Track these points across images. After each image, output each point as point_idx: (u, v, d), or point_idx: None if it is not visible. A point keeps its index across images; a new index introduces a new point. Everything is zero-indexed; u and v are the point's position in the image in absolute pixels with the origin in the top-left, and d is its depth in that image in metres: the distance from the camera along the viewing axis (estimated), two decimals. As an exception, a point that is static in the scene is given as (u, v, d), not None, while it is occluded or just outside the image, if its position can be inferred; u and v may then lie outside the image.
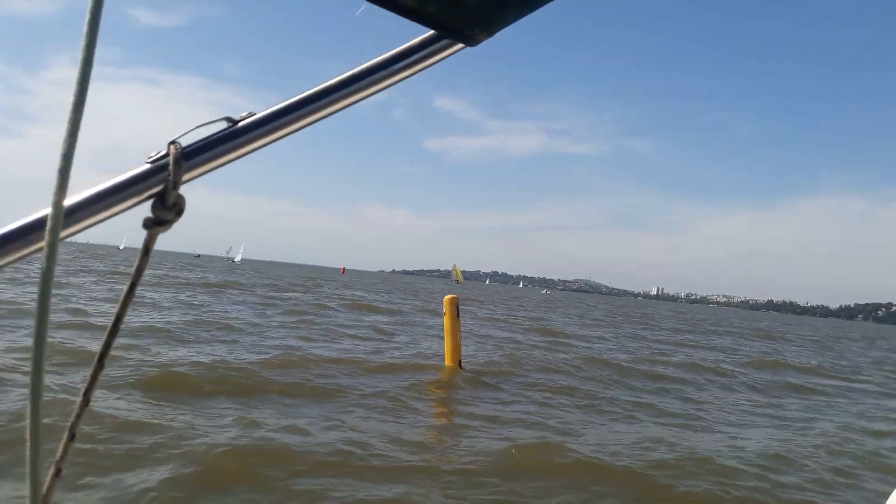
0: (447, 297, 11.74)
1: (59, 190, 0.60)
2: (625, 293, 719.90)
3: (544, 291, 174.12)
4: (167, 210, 0.70)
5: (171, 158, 0.69)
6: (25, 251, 0.66)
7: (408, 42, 0.83)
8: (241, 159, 0.78)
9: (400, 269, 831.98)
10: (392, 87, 0.84)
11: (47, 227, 0.61)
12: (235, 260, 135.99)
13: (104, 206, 0.69)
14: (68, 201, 0.66)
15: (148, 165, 0.71)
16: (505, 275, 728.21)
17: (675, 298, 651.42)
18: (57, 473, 0.69)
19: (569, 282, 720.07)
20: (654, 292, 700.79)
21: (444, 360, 11.86)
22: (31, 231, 0.66)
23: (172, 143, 0.71)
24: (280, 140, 0.80)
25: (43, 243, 0.61)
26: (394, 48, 0.83)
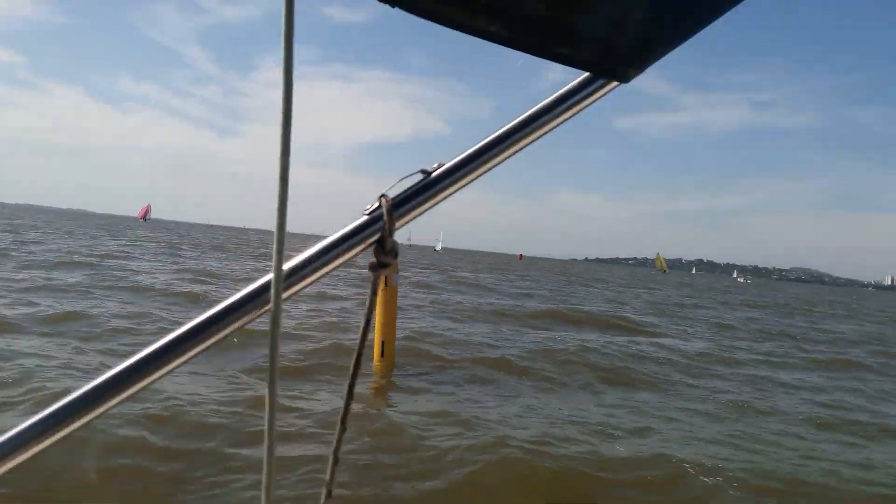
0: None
1: (277, 256, 0.74)
2: (851, 283, 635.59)
3: (741, 279, 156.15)
4: (386, 255, 0.81)
5: (384, 210, 0.80)
6: (254, 314, 0.78)
7: (567, 85, 0.88)
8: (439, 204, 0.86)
9: (593, 257, 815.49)
10: (556, 128, 0.89)
11: (272, 292, 0.75)
12: (437, 248, 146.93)
13: (328, 260, 0.80)
14: (291, 263, 0.79)
15: (366, 217, 0.82)
16: (711, 263, 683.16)
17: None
18: (329, 495, 0.88)
19: (785, 270, 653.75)
20: (888, 282, 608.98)
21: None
22: (257, 295, 0.78)
23: (383, 196, 0.81)
24: (469, 184, 0.87)
25: (269, 306, 0.76)
26: (556, 90, 0.89)
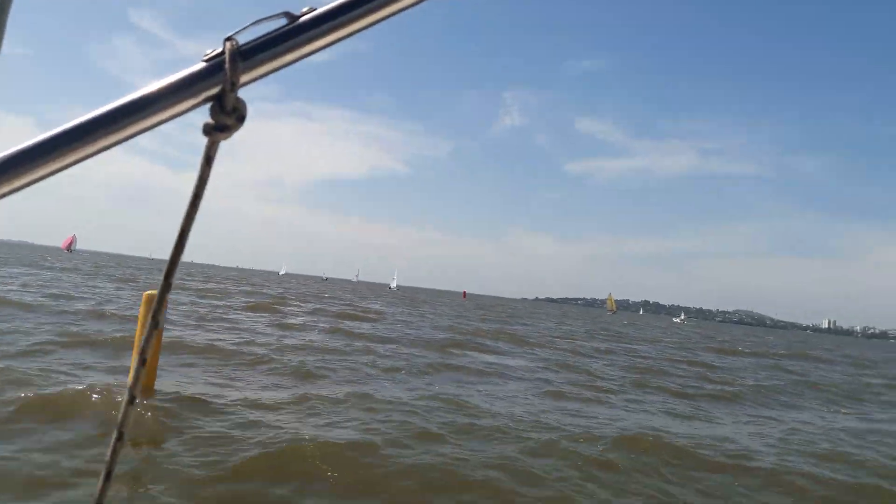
0: (146, 293, 8.29)
1: None
2: (792, 326, 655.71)
3: (676, 319, 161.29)
4: (227, 115, 0.64)
5: (227, 56, 0.64)
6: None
7: None
8: (301, 61, 0.70)
9: (543, 297, 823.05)
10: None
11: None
12: (392, 286, 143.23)
13: (156, 110, 0.64)
14: (123, 100, 0.64)
15: (203, 64, 0.65)
16: (657, 304, 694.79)
17: (849, 332, 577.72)
18: (119, 437, 0.70)
19: (728, 312, 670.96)
20: (825, 325, 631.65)
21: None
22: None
23: (229, 39, 0.65)
24: (344, 39, 0.70)
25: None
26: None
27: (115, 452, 0.70)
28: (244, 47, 0.65)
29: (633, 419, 10.36)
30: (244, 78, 0.65)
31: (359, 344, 16.86)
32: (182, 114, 0.65)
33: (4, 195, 0.61)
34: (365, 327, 22.83)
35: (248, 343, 14.38)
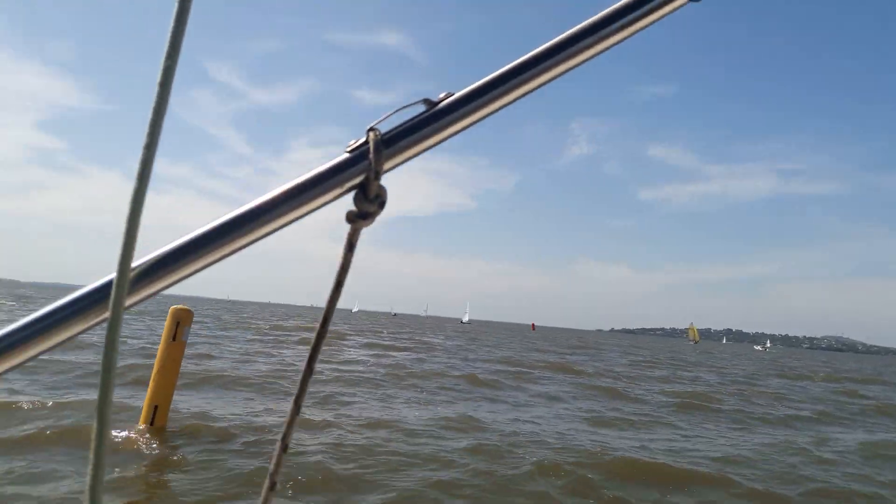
0: (172, 308, 7.80)
1: (124, 251, 0.60)
2: (886, 351, 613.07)
3: (758, 347, 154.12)
4: (370, 202, 0.67)
5: (371, 146, 0.67)
6: (94, 315, 0.64)
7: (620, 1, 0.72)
8: (438, 145, 0.72)
9: (619, 328, 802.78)
10: (604, 53, 0.72)
11: (115, 284, 0.60)
12: (464, 321, 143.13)
13: (304, 201, 0.66)
14: (271, 194, 0.66)
15: (347, 155, 0.68)
16: (740, 332, 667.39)
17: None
18: (272, 487, 0.73)
19: (816, 339, 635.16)
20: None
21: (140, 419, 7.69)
22: (97, 296, 0.64)
23: (371, 129, 0.67)
24: (481, 121, 0.72)
25: (110, 304, 0.61)
26: (603, 8, 0.73)
27: (266, 501, 0.72)
28: (386, 136, 0.68)
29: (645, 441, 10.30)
30: (387, 165, 0.67)
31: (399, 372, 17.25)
32: (327, 203, 0.67)
33: (171, 284, 0.66)
34: (411, 358, 23.22)
35: (278, 374, 14.96)
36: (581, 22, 0.71)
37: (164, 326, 7.66)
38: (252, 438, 7.98)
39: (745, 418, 13.98)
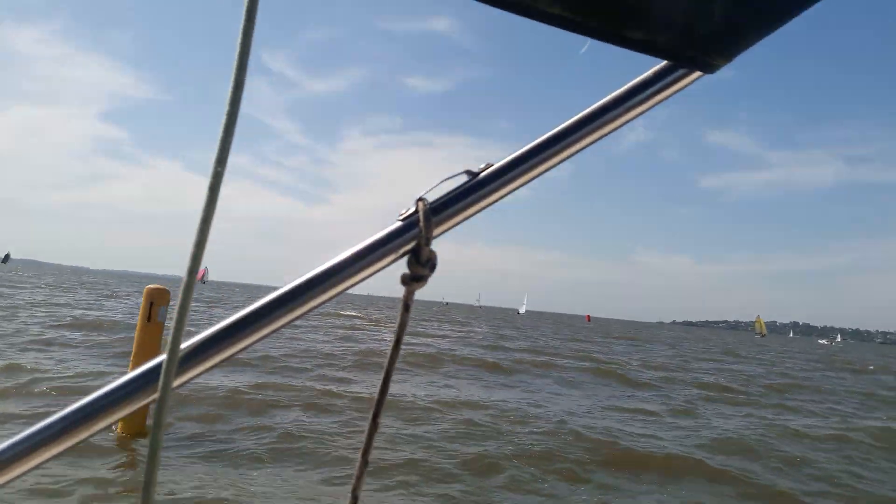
0: (149, 287, 7.53)
1: (176, 328, 0.65)
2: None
3: (823, 341, 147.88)
4: (422, 266, 0.73)
5: (420, 215, 0.72)
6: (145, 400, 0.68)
7: (641, 75, 0.78)
8: (485, 210, 0.77)
9: (681, 320, 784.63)
10: (629, 123, 0.78)
11: (164, 367, 0.65)
12: (521, 311, 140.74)
13: (360, 268, 0.71)
14: (330, 262, 0.71)
15: (399, 223, 0.73)
16: (808, 325, 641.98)
17: None
18: (355, 501, 0.77)
19: (890, 333, 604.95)
20: None
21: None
22: (147, 378, 0.67)
23: (420, 199, 0.73)
24: (521, 188, 0.78)
25: (156, 395, 0.66)
26: (627, 82, 0.79)
27: (360, 474, 0.77)
28: (434, 204, 0.73)
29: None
30: (436, 232, 0.73)
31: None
32: (384, 268, 0.72)
33: (220, 363, 0.69)
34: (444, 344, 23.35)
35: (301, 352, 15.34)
36: (608, 95, 0.77)
37: (140, 307, 7.50)
38: (239, 418, 8.28)
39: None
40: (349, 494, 0.77)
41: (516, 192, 0.78)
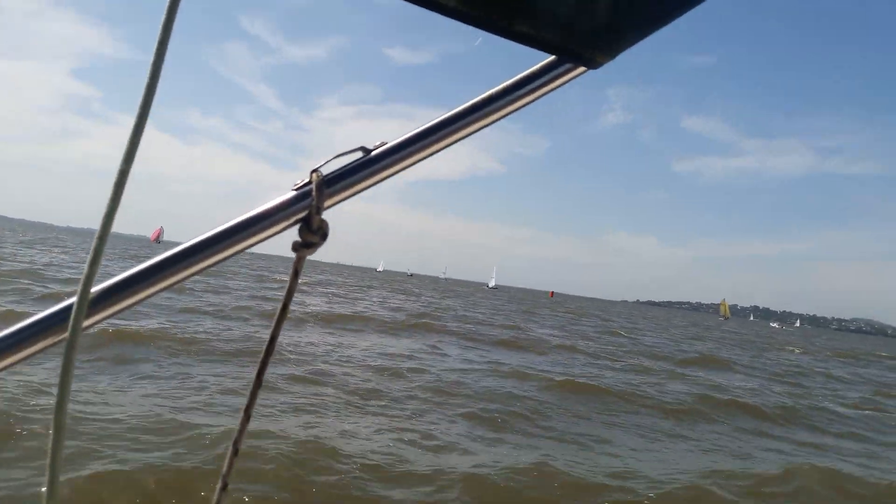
0: None
1: (88, 272, 0.67)
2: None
3: (775, 325, 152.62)
4: (313, 234, 0.77)
5: (314, 186, 0.76)
6: (50, 337, 0.70)
7: (529, 68, 0.82)
8: (377, 185, 0.81)
9: (645, 300, 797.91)
10: (514, 113, 0.84)
11: (74, 307, 0.67)
12: (490, 285, 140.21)
13: (254, 232, 0.75)
14: (226, 225, 0.75)
15: (293, 193, 0.77)
16: (767, 310, 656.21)
17: None
18: (224, 487, 0.81)
19: (846, 321, 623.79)
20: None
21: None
22: (57, 318, 0.69)
23: (315, 171, 0.77)
24: (412, 166, 0.82)
25: (66, 335, 0.67)
26: (516, 73, 0.83)
27: (219, 501, 0.82)
28: (328, 177, 0.77)
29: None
30: (327, 203, 0.77)
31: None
32: (276, 234, 0.77)
33: (127, 307, 0.72)
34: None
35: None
36: (494, 87, 0.83)
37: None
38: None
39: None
40: (219, 480, 0.80)
41: (412, 168, 0.82)
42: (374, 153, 0.80)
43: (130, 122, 0.68)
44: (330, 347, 12.98)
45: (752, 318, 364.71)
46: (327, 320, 18.53)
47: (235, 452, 0.79)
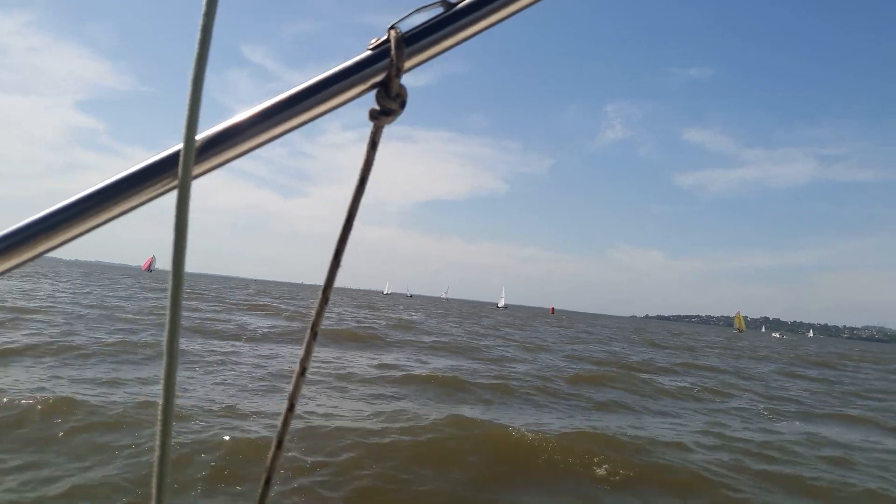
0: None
1: (190, 116, 0.63)
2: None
3: (776, 335, 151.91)
4: (392, 100, 0.71)
5: (392, 44, 0.69)
6: (164, 180, 0.67)
7: None
8: (459, 45, 0.75)
9: (654, 315, 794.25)
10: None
11: (181, 158, 0.64)
12: (500, 305, 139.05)
13: (328, 96, 0.70)
14: (301, 86, 0.70)
15: (369, 52, 0.70)
16: (778, 321, 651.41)
17: None
18: (267, 481, 0.77)
19: (857, 329, 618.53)
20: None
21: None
22: (165, 165, 0.67)
23: (392, 28, 0.70)
24: (497, 24, 0.75)
25: (176, 176, 0.64)
26: None
27: (264, 496, 0.78)
28: (406, 35, 0.70)
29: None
30: (408, 64, 0.70)
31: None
32: (351, 100, 0.70)
33: (232, 159, 0.69)
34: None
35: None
36: None
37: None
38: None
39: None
40: (263, 473, 0.78)
41: (495, 28, 0.74)
42: (457, 7, 0.73)
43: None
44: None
45: (763, 330, 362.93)
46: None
47: (279, 446, 0.76)
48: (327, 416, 8.62)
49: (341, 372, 12.93)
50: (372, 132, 0.72)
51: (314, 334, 0.74)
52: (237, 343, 16.84)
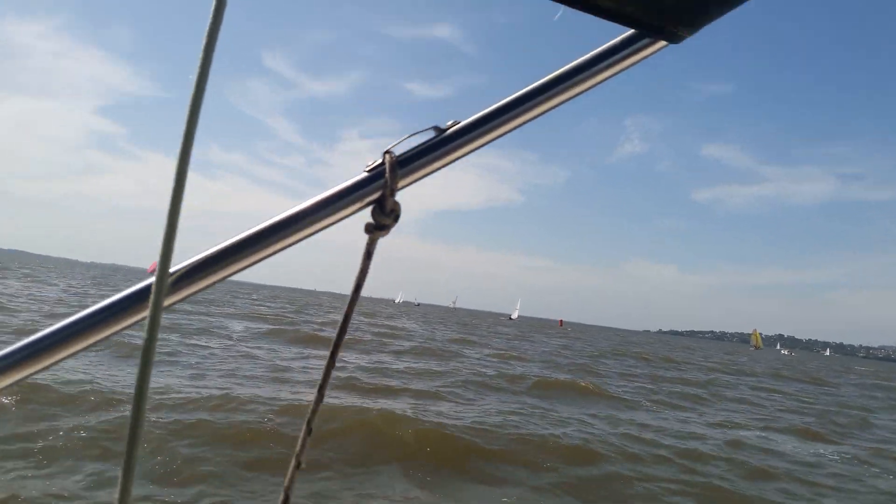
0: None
1: (163, 252, 0.65)
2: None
3: (784, 351, 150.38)
4: (386, 216, 0.79)
5: (387, 166, 0.78)
6: (133, 314, 0.72)
7: (608, 42, 0.82)
8: (450, 164, 0.83)
9: (667, 329, 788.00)
10: (593, 89, 0.84)
11: (152, 292, 0.66)
12: (513, 317, 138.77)
13: (327, 214, 0.77)
14: (300, 206, 0.77)
15: (366, 174, 0.79)
16: (792, 339, 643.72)
17: None
18: (298, 466, 0.82)
19: (873, 348, 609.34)
20: None
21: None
22: (136, 300, 0.72)
23: (387, 152, 0.79)
24: (486, 145, 0.84)
25: (148, 307, 0.66)
26: (594, 49, 0.83)
27: (292, 479, 0.81)
28: (400, 157, 0.78)
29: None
30: (401, 183, 0.78)
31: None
32: (348, 216, 0.77)
33: (206, 287, 0.74)
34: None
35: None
36: (572, 61, 0.82)
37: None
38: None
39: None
40: (293, 459, 0.81)
41: (482, 149, 0.83)
42: (447, 132, 0.80)
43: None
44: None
45: (777, 347, 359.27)
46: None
47: (309, 432, 0.79)
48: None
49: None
50: (367, 244, 0.78)
51: (321, 396, 0.82)
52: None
